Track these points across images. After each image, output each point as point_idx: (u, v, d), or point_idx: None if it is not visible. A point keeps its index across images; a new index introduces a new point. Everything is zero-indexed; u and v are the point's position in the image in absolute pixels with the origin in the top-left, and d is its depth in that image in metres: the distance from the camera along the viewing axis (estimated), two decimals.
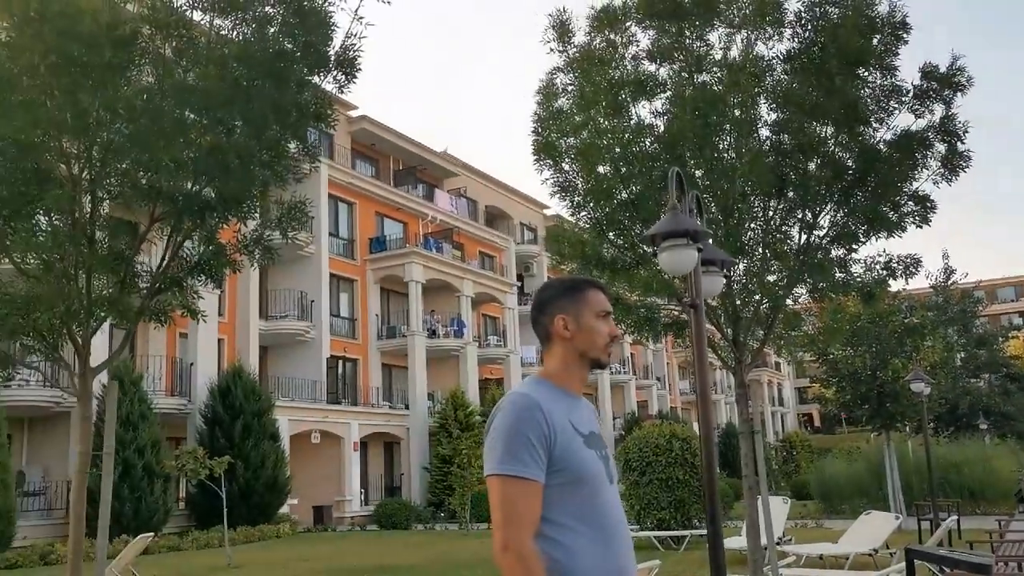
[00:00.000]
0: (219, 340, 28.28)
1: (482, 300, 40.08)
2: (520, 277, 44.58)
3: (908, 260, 9.38)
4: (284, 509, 26.72)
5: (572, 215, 9.78)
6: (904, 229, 9.13)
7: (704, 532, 16.69)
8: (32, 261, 6.90)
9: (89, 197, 7.27)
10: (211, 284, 7.92)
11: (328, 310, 32.75)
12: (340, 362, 33.92)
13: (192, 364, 26.99)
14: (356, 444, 30.98)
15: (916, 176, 9.07)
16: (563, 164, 9.53)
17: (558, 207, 10.27)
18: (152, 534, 15.30)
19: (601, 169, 9.39)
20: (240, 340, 29.42)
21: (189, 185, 7.31)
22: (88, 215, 7.23)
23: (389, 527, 28.29)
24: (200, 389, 26.50)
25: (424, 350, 35.12)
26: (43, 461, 24.25)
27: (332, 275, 33.44)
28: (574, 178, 9.56)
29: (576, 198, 9.50)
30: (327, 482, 30.45)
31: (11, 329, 6.85)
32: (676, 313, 9.91)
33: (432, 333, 36.24)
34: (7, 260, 6.98)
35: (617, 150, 9.21)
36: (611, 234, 9.48)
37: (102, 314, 7.13)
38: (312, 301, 32.26)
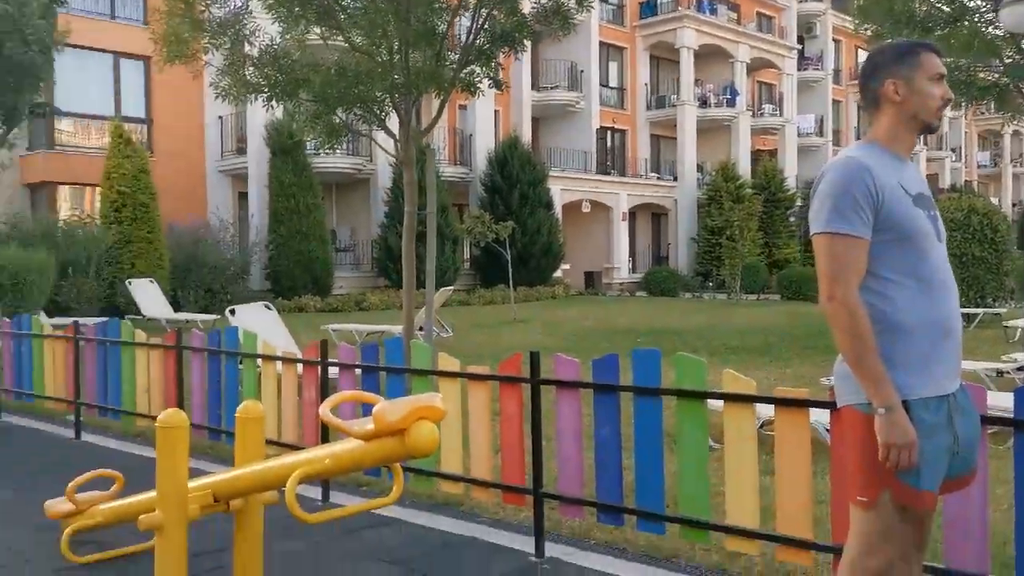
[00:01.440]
0: (495, 112, 29.32)
1: (757, 66, 37.87)
2: (800, 40, 41.28)
3: None
4: (557, 273, 28.40)
5: None
6: None
7: (999, 311, 15.84)
8: (361, 39, 7.52)
9: None
10: (514, 54, 8.23)
11: (598, 80, 32.60)
12: (609, 133, 34.11)
13: (471, 135, 28.41)
14: (624, 214, 31.71)
15: None
16: None
17: None
18: (451, 288, 17.03)
19: None
20: (514, 112, 30.32)
21: None
22: None
23: (657, 294, 29.32)
24: (479, 159, 28.01)
25: (694, 120, 34.33)
26: (350, 221, 27.28)
27: (601, 43, 32.94)
28: None
29: None
30: (597, 250, 31.76)
31: (349, 100, 7.64)
32: (995, 76, 8.95)
33: (703, 103, 35.16)
34: (341, 38, 7.66)
35: None
36: None
37: (421, 85, 7.72)
38: (582, 71, 32.21)
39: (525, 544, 4.47)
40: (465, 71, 8.06)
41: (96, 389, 7.17)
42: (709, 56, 35.39)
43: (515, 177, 26.73)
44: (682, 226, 33.97)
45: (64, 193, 22.40)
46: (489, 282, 26.60)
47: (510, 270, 20.26)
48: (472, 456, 4.78)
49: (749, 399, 3.75)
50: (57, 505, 4.38)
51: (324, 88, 7.39)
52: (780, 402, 3.65)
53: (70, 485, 4.32)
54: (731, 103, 35.49)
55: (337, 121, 8.16)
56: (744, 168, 34.55)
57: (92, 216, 20.39)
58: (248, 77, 7.73)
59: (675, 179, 34.40)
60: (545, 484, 4.43)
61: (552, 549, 4.39)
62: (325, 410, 3.22)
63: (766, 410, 4.63)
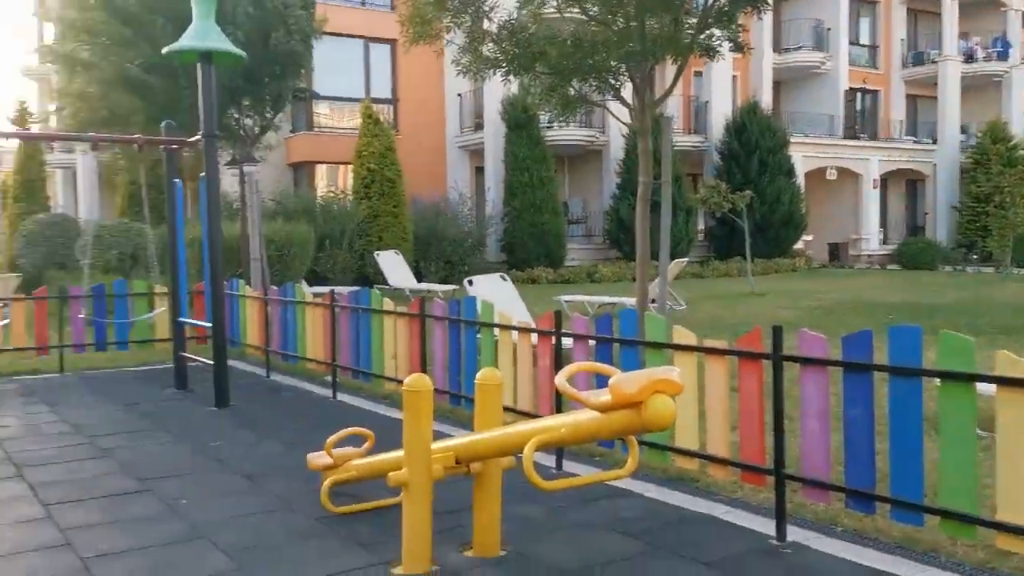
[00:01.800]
0: (733, 77, 28.28)
1: None
2: None
3: None
4: (799, 245, 27.07)
5: None
6: None
7: None
8: (597, 8, 7.48)
9: None
10: (757, 14, 7.83)
11: (847, 38, 30.49)
12: (859, 94, 31.86)
13: (707, 102, 27.60)
14: (875, 181, 29.58)
15: None
16: None
17: None
18: (685, 259, 16.70)
19: None
20: (753, 76, 29.09)
21: None
22: None
23: (912, 267, 27.16)
24: (715, 126, 27.18)
25: (958, 77, 31.25)
26: (582, 193, 27.48)
27: None
28: None
29: None
30: (843, 220, 29.90)
31: (584, 71, 7.64)
32: None
33: (968, 57, 31.89)
34: (577, 8, 7.67)
35: None
36: None
37: (658, 52, 7.55)
38: (828, 29, 30.26)
39: (765, 526, 4.28)
40: (704, 35, 7.78)
41: (350, 352, 7.71)
42: (977, 5, 31.99)
43: (754, 144, 25.70)
44: (942, 193, 31.15)
45: (321, 171, 24.30)
46: (724, 254, 25.87)
47: (747, 241, 19.55)
48: (708, 432, 4.64)
49: None
50: (318, 459, 4.75)
51: (560, 60, 7.43)
52: None
53: (328, 441, 4.66)
54: (1002, 56, 31.90)
55: (572, 93, 8.17)
56: (1017, 128, 31.02)
57: (345, 192, 21.97)
58: (487, 53, 7.92)
59: (934, 142, 31.56)
60: (787, 465, 4.21)
61: (794, 533, 4.17)
62: (561, 380, 3.23)
63: None
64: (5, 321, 8.73)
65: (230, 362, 8.02)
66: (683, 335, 4.75)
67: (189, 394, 8.21)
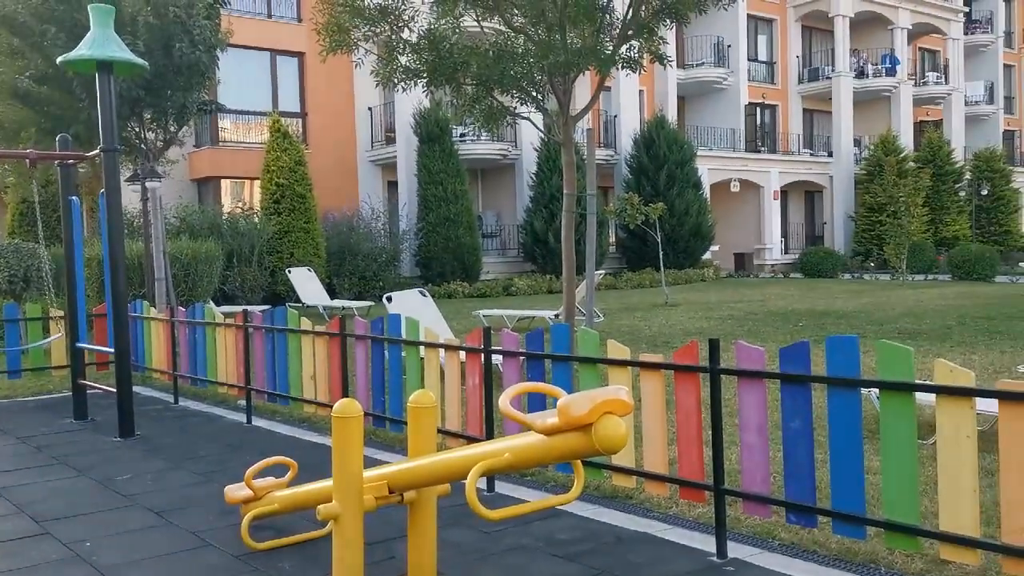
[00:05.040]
0: (639, 91, 28.74)
1: (920, 32, 35.51)
2: (967, 1, 38.39)
3: None
4: (707, 256, 27.62)
5: None
6: None
7: None
8: (519, 19, 7.38)
9: None
10: (679, 25, 7.86)
11: (746, 54, 31.42)
12: (758, 109, 32.84)
13: (616, 116, 27.96)
14: (776, 193, 30.48)
15: None
16: None
17: None
18: (602, 272, 16.78)
19: None
20: (659, 91, 29.65)
21: None
22: None
23: (813, 275, 28.05)
24: (624, 140, 27.55)
25: (850, 92, 32.56)
26: (496, 207, 27.43)
27: (750, 16, 31.71)
28: None
29: None
30: (747, 230, 30.69)
31: (508, 82, 7.53)
32: None
33: (860, 73, 33.29)
34: (497, 18, 7.56)
35: None
36: None
37: (580, 63, 7.50)
38: (729, 46, 31.12)
39: (704, 543, 4.21)
40: (625, 46, 7.78)
41: (265, 375, 7.38)
42: (866, 23, 33.44)
43: (662, 157, 26.13)
44: (838, 204, 32.33)
45: (227, 187, 23.55)
46: (636, 265, 26.18)
47: (660, 253, 19.80)
48: (645, 448, 4.55)
49: (968, 392, 3.33)
50: (236, 491, 4.46)
51: (482, 70, 7.30)
52: (1007, 396, 3.23)
53: (248, 472, 4.38)
54: (891, 72, 33.42)
55: (495, 104, 8.06)
56: (906, 141, 32.51)
57: (253, 208, 21.34)
58: (407, 63, 7.74)
59: (830, 155, 32.77)
60: (725, 480, 4.14)
61: (734, 549, 4.11)
62: (504, 402, 3.07)
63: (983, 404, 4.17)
64: None
65: (134, 388, 7.58)
66: (617, 350, 4.65)
67: (90, 424, 7.72)
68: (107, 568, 4.05)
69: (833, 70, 32.67)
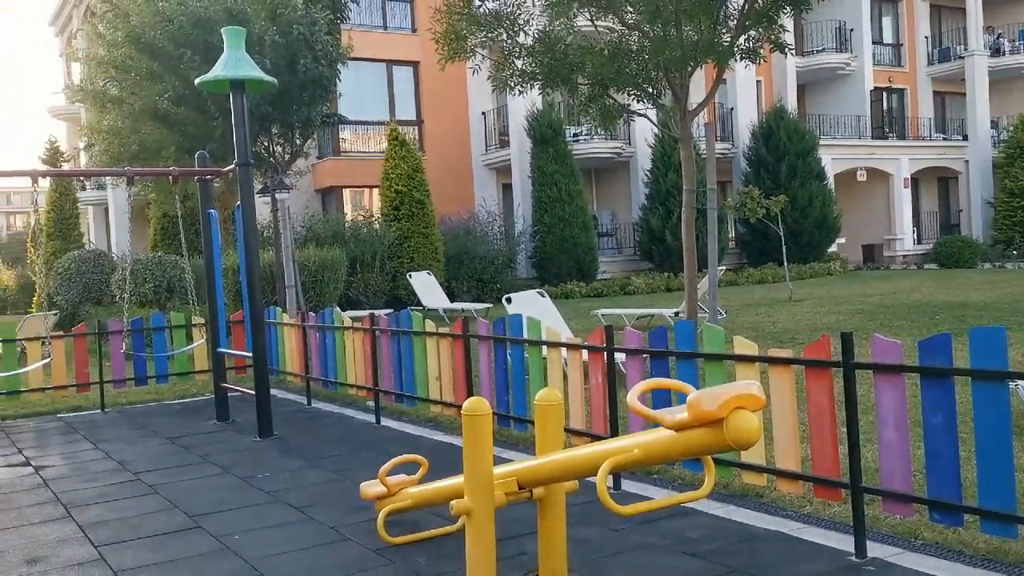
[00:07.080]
0: (756, 82, 28.03)
1: None
2: None
3: None
4: (832, 248, 26.67)
5: None
6: None
7: None
8: (633, 16, 7.34)
9: None
10: (799, 12, 7.64)
11: (869, 37, 30.16)
12: (885, 94, 31.46)
13: (732, 109, 27.36)
14: (906, 180, 29.11)
15: None
16: None
17: None
18: (723, 267, 16.46)
19: None
20: (777, 80, 28.83)
21: None
22: None
23: (949, 266, 26.67)
24: (741, 133, 26.92)
25: (985, 71, 30.75)
26: (610, 206, 27.30)
27: None
28: None
29: None
30: (875, 221, 29.45)
31: (623, 80, 7.51)
32: None
33: (995, 51, 31.41)
34: (611, 17, 7.54)
35: None
36: None
37: (698, 57, 7.41)
38: (851, 30, 29.95)
39: (841, 542, 4.09)
40: (743, 37, 7.62)
41: (392, 377, 7.59)
42: None
43: (782, 148, 25.39)
44: (975, 190, 30.61)
45: (349, 195, 24.32)
46: (756, 260, 25.55)
47: (783, 246, 19.23)
48: (776, 445, 4.45)
49: None
50: (371, 488, 4.62)
51: (597, 70, 7.30)
52: None
53: (382, 469, 4.53)
54: None
55: (611, 103, 8.03)
56: None
57: (374, 215, 21.96)
58: (523, 66, 7.82)
59: (965, 138, 31.06)
60: (863, 477, 4.01)
61: (874, 549, 3.97)
62: (633, 399, 3.07)
63: None
64: (47, 360, 8.71)
65: (270, 391, 7.94)
66: (744, 346, 4.57)
67: (232, 425, 8.13)
68: (256, 560, 4.27)
69: (965, 49, 30.97)
